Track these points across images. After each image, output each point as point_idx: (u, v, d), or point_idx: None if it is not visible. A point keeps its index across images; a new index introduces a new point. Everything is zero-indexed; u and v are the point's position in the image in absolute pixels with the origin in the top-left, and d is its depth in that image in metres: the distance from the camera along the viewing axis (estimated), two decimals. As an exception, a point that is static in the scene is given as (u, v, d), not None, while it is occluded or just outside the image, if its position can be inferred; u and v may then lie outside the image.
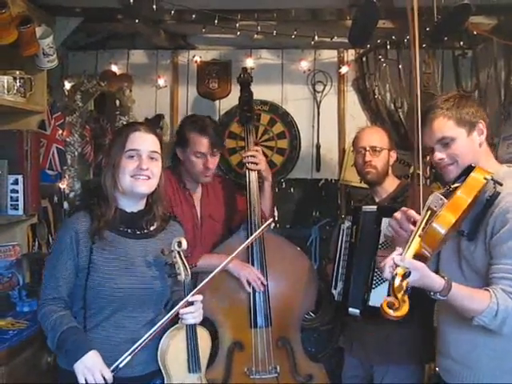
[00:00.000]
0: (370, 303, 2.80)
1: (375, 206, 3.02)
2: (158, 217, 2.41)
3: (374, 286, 2.81)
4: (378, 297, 2.75)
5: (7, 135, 3.17)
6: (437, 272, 2.28)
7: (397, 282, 1.81)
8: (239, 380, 3.14)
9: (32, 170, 3.20)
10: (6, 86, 3.03)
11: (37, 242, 3.52)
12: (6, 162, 3.13)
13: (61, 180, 3.91)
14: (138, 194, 2.32)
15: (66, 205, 4.00)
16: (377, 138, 3.15)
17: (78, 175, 4.08)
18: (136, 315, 2.29)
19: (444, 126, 2.20)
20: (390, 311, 1.79)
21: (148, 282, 2.31)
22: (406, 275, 1.82)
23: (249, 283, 3.16)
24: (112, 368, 2.13)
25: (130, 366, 2.20)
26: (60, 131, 3.66)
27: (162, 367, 2.30)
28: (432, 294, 1.96)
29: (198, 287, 2.29)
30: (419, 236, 1.92)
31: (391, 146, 3.16)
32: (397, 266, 1.85)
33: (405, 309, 1.79)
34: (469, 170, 2.09)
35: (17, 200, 3.14)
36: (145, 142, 2.31)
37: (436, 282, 1.93)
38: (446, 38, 3.53)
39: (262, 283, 3.18)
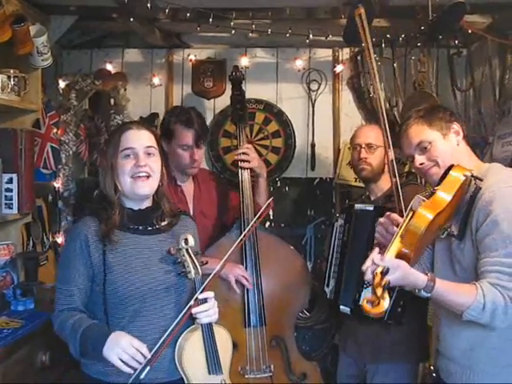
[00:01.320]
0: (361, 302, 2.81)
1: (368, 205, 3.03)
2: (166, 213, 2.36)
3: (365, 286, 2.82)
4: (368, 297, 2.77)
5: (1, 134, 3.16)
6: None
7: (376, 279, 1.85)
8: (233, 379, 3.09)
9: (26, 168, 3.19)
10: (0, 85, 3.03)
11: (31, 241, 3.51)
12: (0, 161, 3.12)
13: (55, 179, 3.90)
14: (140, 196, 2.28)
15: (60, 204, 3.99)
16: (373, 135, 3.16)
17: (73, 174, 4.08)
18: (160, 312, 2.22)
19: (419, 131, 2.28)
20: (369, 307, 1.84)
21: (166, 277, 2.25)
22: (384, 272, 1.86)
23: (239, 283, 3.16)
24: (131, 380, 2.07)
25: (154, 370, 2.13)
26: (54, 130, 3.65)
27: (180, 370, 2.20)
28: (417, 291, 1.99)
29: (205, 283, 2.22)
30: (400, 236, 1.95)
31: (388, 145, 3.17)
32: (377, 265, 1.88)
33: (384, 305, 1.82)
34: (449, 169, 2.12)
35: (11, 199, 3.13)
36: (139, 139, 2.27)
37: (419, 278, 1.96)
38: (440, 37, 3.55)
39: (254, 279, 3.19)
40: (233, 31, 3.53)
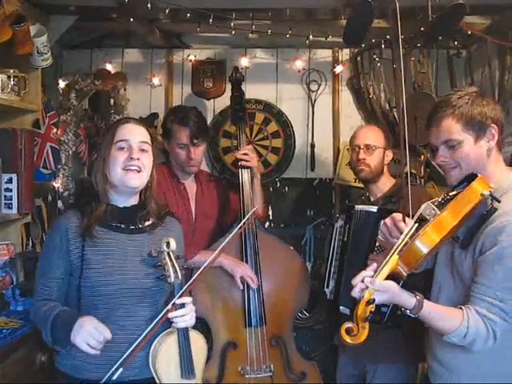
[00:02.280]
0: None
1: (371, 206, 3.03)
2: (152, 213, 2.36)
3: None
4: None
5: (1, 134, 3.16)
6: (432, 274, 2.31)
7: (360, 308, 1.83)
8: (233, 379, 3.15)
9: (26, 168, 3.19)
10: (0, 85, 3.03)
11: (31, 241, 3.51)
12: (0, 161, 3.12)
13: (55, 179, 3.90)
14: (129, 188, 2.27)
15: (60, 204, 3.99)
16: (371, 136, 3.16)
17: (73, 174, 4.08)
18: (134, 313, 2.23)
19: (452, 128, 2.10)
20: (347, 337, 1.83)
21: (144, 279, 2.25)
22: (369, 302, 1.83)
23: (242, 281, 3.17)
24: (104, 380, 2.09)
25: (127, 368, 2.15)
26: (54, 130, 3.65)
27: (153, 371, 2.20)
28: (404, 309, 1.97)
29: (184, 288, 2.20)
30: (397, 254, 1.90)
31: (387, 146, 3.18)
32: (366, 287, 1.85)
33: (363, 336, 1.82)
34: (470, 178, 2.02)
35: (11, 199, 3.13)
36: (135, 133, 2.29)
37: (407, 301, 1.94)
38: (440, 38, 3.54)
39: (254, 282, 3.19)
40: (233, 32, 3.52)
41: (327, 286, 3.11)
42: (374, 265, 1.93)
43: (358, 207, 3.04)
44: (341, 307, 2.95)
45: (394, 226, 2.17)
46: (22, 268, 3.24)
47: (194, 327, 2.29)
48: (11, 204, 3.14)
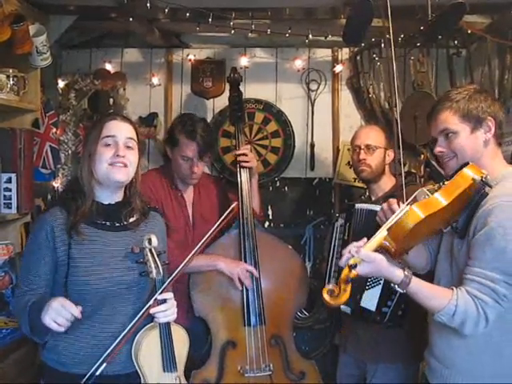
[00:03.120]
0: (362, 304, 2.82)
1: (369, 204, 3.03)
2: (136, 209, 2.37)
3: (367, 287, 2.82)
4: (369, 299, 2.79)
5: (0, 134, 3.16)
6: (433, 270, 2.32)
7: (344, 272, 1.93)
8: (233, 379, 3.14)
9: (25, 168, 3.19)
10: (-1, 85, 3.03)
11: (30, 241, 3.50)
12: (-1, 160, 3.13)
13: (54, 178, 3.91)
14: (115, 183, 2.28)
15: (59, 203, 3.99)
16: (372, 136, 3.16)
17: (72, 174, 4.07)
18: (119, 310, 2.25)
19: (448, 118, 2.18)
20: (328, 297, 1.93)
21: (129, 276, 2.27)
22: (353, 266, 1.93)
23: (241, 282, 3.16)
24: (87, 376, 2.11)
25: (112, 363, 2.18)
26: (54, 129, 3.65)
27: (136, 366, 2.24)
28: (393, 285, 2.04)
29: (165, 285, 2.23)
30: (387, 229, 1.99)
31: (388, 145, 3.17)
32: (352, 256, 1.94)
33: (343, 298, 1.92)
34: (464, 166, 2.08)
35: (10, 198, 3.13)
36: (121, 129, 2.29)
37: (394, 275, 2.02)
38: (440, 37, 3.54)
39: (253, 279, 3.18)
40: (232, 31, 3.52)
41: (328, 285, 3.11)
42: (365, 239, 2.02)
43: (359, 206, 3.03)
44: (342, 306, 2.95)
45: (389, 209, 2.26)
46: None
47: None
48: (10, 204, 3.14)
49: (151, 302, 2.21)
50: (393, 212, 2.20)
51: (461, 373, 2.13)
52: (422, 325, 2.99)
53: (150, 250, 2.24)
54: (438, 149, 2.23)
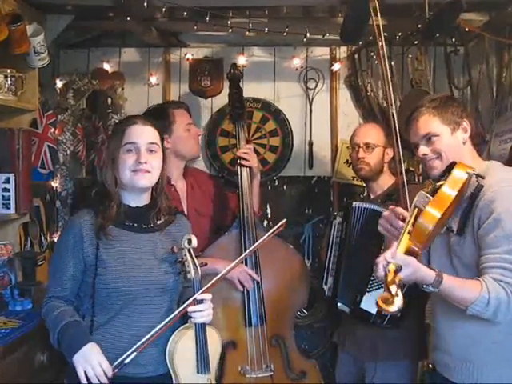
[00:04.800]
0: (362, 306, 2.82)
1: (366, 202, 3.03)
2: (163, 210, 2.39)
3: (368, 290, 2.83)
4: (371, 301, 2.77)
5: (-2, 134, 3.16)
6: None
7: (390, 277, 1.86)
8: (234, 379, 3.13)
9: (24, 168, 3.19)
10: (-4, 85, 3.03)
11: (29, 241, 3.51)
12: (-3, 161, 3.12)
13: (53, 179, 3.90)
14: (139, 189, 2.30)
15: (58, 203, 3.99)
16: (371, 134, 3.16)
17: (71, 174, 4.07)
18: (146, 311, 2.26)
19: (429, 122, 2.29)
20: (384, 306, 1.83)
21: (157, 277, 2.28)
22: (397, 270, 1.87)
23: (241, 283, 3.15)
24: (116, 363, 2.12)
25: (141, 365, 2.21)
26: (52, 129, 3.64)
27: (170, 367, 2.26)
28: (425, 286, 2.02)
29: (207, 285, 2.27)
30: (408, 233, 1.97)
31: (387, 144, 3.16)
32: (389, 263, 1.89)
33: (397, 303, 1.82)
34: (452, 166, 2.14)
35: (8, 199, 3.13)
36: (142, 135, 2.29)
37: (428, 274, 2.00)
38: (437, 35, 3.54)
39: (254, 280, 3.17)
40: (230, 30, 3.52)
41: (325, 283, 3.11)
42: (395, 244, 1.98)
43: (356, 204, 3.04)
44: (339, 304, 2.96)
45: (393, 215, 2.22)
46: (20, 268, 3.23)
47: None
48: (9, 204, 3.14)
49: (190, 301, 2.23)
50: (398, 217, 2.18)
51: (484, 364, 2.15)
52: (419, 323, 3.01)
53: (189, 250, 2.27)
54: (421, 152, 2.31)
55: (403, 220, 2.10)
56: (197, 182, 3.42)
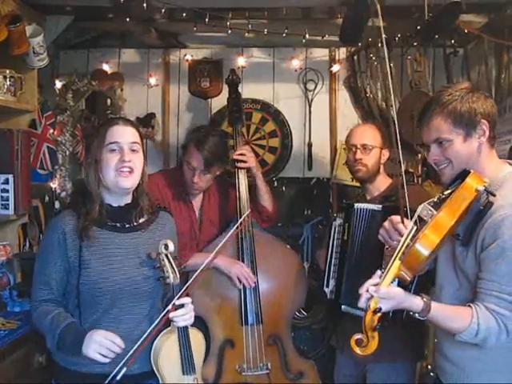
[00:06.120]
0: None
1: (368, 204, 3.02)
2: (145, 209, 2.39)
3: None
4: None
5: (-3, 134, 3.16)
6: (434, 271, 2.30)
7: (368, 318, 1.84)
8: (231, 377, 3.15)
9: (23, 169, 3.19)
10: (-4, 85, 3.03)
11: (28, 242, 3.51)
12: (-4, 162, 3.12)
13: (52, 179, 3.89)
14: (122, 190, 2.30)
15: (57, 204, 3.98)
16: (368, 135, 3.14)
17: (70, 174, 4.07)
18: (131, 310, 2.27)
19: (441, 127, 2.10)
20: (357, 349, 1.84)
21: (141, 276, 2.29)
22: (376, 311, 1.83)
23: (239, 280, 3.17)
24: (108, 380, 2.12)
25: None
26: (51, 130, 3.64)
27: (155, 369, 2.28)
28: (412, 313, 1.98)
29: (183, 289, 2.26)
30: (399, 259, 1.89)
31: (383, 145, 3.15)
32: (372, 296, 1.86)
33: (373, 346, 1.83)
34: (464, 174, 2.02)
35: (7, 199, 3.13)
36: (124, 134, 2.30)
37: (414, 304, 1.95)
38: (436, 36, 3.54)
39: (251, 279, 3.19)
40: (229, 31, 3.52)
41: (327, 286, 3.09)
42: (378, 272, 1.94)
43: (358, 205, 3.01)
44: (343, 306, 2.93)
45: (392, 228, 2.19)
46: (19, 269, 3.23)
47: (192, 325, 2.32)
48: (8, 205, 3.14)
49: (169, 307, 2.23)
50: (398, 232, 2.15)
51: (474, 373, 2.12)
52: (418, 323, 3.00)
53: (167, 255, 2.27)
54: (432, 157, 2.17)
55: (401, 234, 2.06)
56: (213, 193, 3.44)
